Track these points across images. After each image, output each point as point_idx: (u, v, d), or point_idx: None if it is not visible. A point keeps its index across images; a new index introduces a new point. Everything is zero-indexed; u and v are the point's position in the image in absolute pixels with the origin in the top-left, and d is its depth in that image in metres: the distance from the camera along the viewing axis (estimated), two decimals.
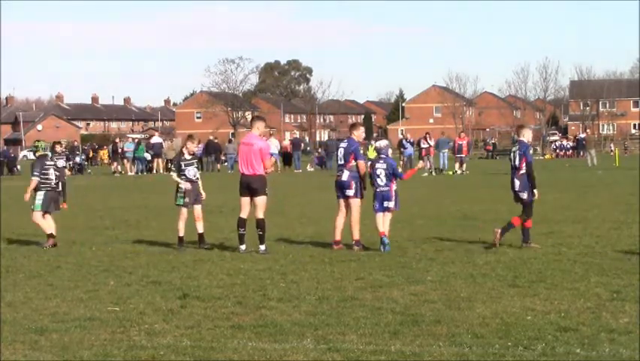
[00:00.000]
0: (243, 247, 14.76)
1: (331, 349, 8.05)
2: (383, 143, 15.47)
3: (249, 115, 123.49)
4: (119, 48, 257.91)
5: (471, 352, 7.86)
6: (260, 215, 14.69)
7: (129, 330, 8.98)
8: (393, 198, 14.78)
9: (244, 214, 14.80)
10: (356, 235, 14.87)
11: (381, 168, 14.76)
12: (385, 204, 14.71)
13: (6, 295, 10.96)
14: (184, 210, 15.65)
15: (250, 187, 14.64)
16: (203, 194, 16.06)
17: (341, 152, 15.04)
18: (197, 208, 15.84)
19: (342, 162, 14.97)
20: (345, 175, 14.90)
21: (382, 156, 14.97)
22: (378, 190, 14.73)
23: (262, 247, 14.60)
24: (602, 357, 7.70)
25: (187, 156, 15.98)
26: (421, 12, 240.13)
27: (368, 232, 15.60)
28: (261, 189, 14.67)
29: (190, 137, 16.80)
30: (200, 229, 15.70)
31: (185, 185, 15.60)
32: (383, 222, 14.68)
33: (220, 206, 23.35)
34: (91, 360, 7.91)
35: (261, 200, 14.73)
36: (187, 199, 15.64)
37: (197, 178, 15.95)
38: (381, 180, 14.72)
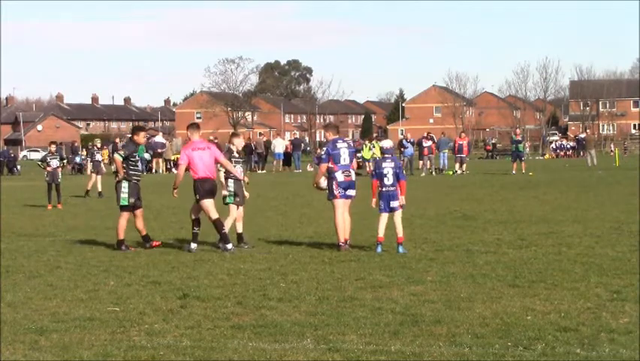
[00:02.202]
0: (194, 245, 14.98)
1: (331, 349, 8.04)
2: (389, 143, 15.42)
3: (248, 115, 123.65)
4: (119, 48, 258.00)
5: (471, 352, 7.86)
6: (216, 215, 14.93)
7: (129, 330, 8.97)
8: (399, 197, 14.60)
9: (198, 214, 15.15)
10: (348, 235, 14.91)
11: (389, 167, 14.59)
12: (392, 204, 14.51)
13: (6, 295, 10.96)
14: (234, 208, 15.65)
15: (212, 190, 15.02)
16: (247, 194, 16.09)
17: (345, 152, 14.94)
18: (241, 209, 15.86)
19: (348, 162, 14.94)
20: (353, 175, 14.98)
21: (388, 155, 14.91)
22: (384, 190, 14.56)
23: (229, 246, 14.77)
24: (602, 357, 7.69)
25: (235, 154, 15.99)
26: (421, 12, 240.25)
27: (368, 231, 15.60)
28: (215, 193, 15.08)
29: (235, 134, 16.72)
30: (240, 228, 15.73)
31: (226, 190, 15.58)
32: (396, 225, 14.38)
33: (221, 206, 23.34)
34: (91, 360, 7.90)
35: (212, 202, 15.03)
36: (238, 198, 15.70)
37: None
38: (389, 180, 14.54)
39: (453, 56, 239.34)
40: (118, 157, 15.66)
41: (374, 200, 14.64)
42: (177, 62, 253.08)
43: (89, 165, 32.25)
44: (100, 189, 30.55)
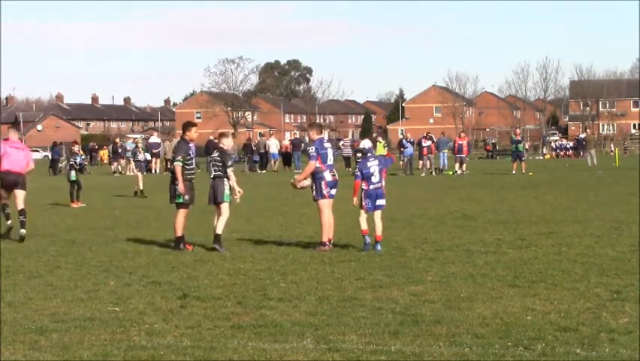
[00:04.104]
0: (9, 222, 17.10)
1: (331, 349, 8.04)
2: (369, 143, 15.60)
3: (248, 115, 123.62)
4: (119, 48, 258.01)
5: (471, 352, 7.85)
6: (23, 205, 17.07)
7: (129, 330, 8.97)
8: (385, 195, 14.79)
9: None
10: (331, 234, 15.01)
11: (374, 166, 14.73)
12: (378, 202, 14.65)
13: (6, 295, 10.95)
14: (226, 207, 15.31)
15: (17, 183, 17.12)
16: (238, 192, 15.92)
17: (331, 152, 15.17)
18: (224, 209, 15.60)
19: (332, 162, 15.11)
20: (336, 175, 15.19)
21: (370, 155, 15.09)
22: (371, 188, 14.66)
23: (23, 231, 16.65)
24: (602, 357, 7.69)
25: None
26: (421, 12, 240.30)
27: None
28: (24, 185, 17.33)
29: (223, 134, 16.47)
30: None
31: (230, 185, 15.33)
32: (376, 223, 14.56)
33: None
34: (91, 360, 7.90)
35: (24, 193, 17.26)
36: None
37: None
38: (375, 178, 14.68)
39: (453, 56, 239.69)
40: (178, 164, 15.29)
41: (355, 199, 14.73)
42: (177, 62, 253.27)
43: (132, 165, 32.86)
44: (141, 187, 30.77)
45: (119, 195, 31.22)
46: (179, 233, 15.33)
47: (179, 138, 15.98)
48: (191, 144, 15.79)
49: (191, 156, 15.56)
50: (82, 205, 26.22)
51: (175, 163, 15.36)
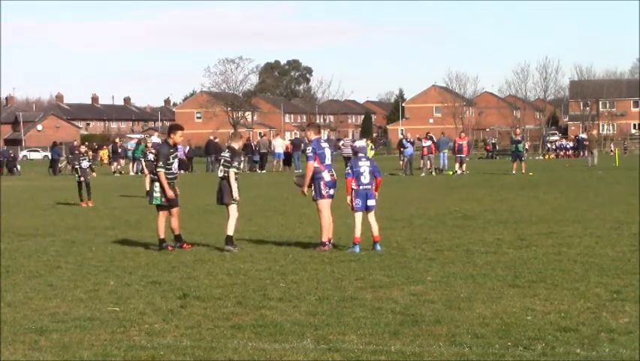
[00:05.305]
0: None
1: (331, 349, 8.04)
2: (362, 143, 15.62)
3: (248, 115, 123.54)
4: (119, 48, 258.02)
5: (471, 352, 7.85)
6: None
7: (129, 330, 8.97)
8: (375, 197, 14.81)
9: None
10: (331, 234, 14.99)
11: (365, 166, 14.77)
12: (368, 202, 14.67)
13: (6, 295, 10.96)
14: (234, 208, 15.23)
15: None
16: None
17: (329, 152, 15.17)
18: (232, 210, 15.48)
19: (330, 162, 15.10)
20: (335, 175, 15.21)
21: (362, 155, 15.08)
22: (361, 188, 14.69)
23: None
24: (602, 357, 7.69)
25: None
26: (421, 12, 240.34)
27: (368, 231, 15.56)
28: None
29: (235, 135, 16.35)
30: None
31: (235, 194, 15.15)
32: (371, 224, 14.61)
33: (220, 206, 23.31)
34: (91, 360, 7.90)
35: None
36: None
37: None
38: (365, 178, 14.71)
39: (453, 56, 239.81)
40: (161, 170, 15.22)
41: (349, 198, 14.76)
42: (177, 62, 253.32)
43: (143, 165, 32.78)
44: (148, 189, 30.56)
45: (123, 195, 31.20)
46: (162, 235, 15.32)
47: (164, 141, 15.74)
48: (179, 147, 15.75)
49: (171, 160, 15.45)
50: (90, 205, 26.31)
51: (158, 170, 15.27)
